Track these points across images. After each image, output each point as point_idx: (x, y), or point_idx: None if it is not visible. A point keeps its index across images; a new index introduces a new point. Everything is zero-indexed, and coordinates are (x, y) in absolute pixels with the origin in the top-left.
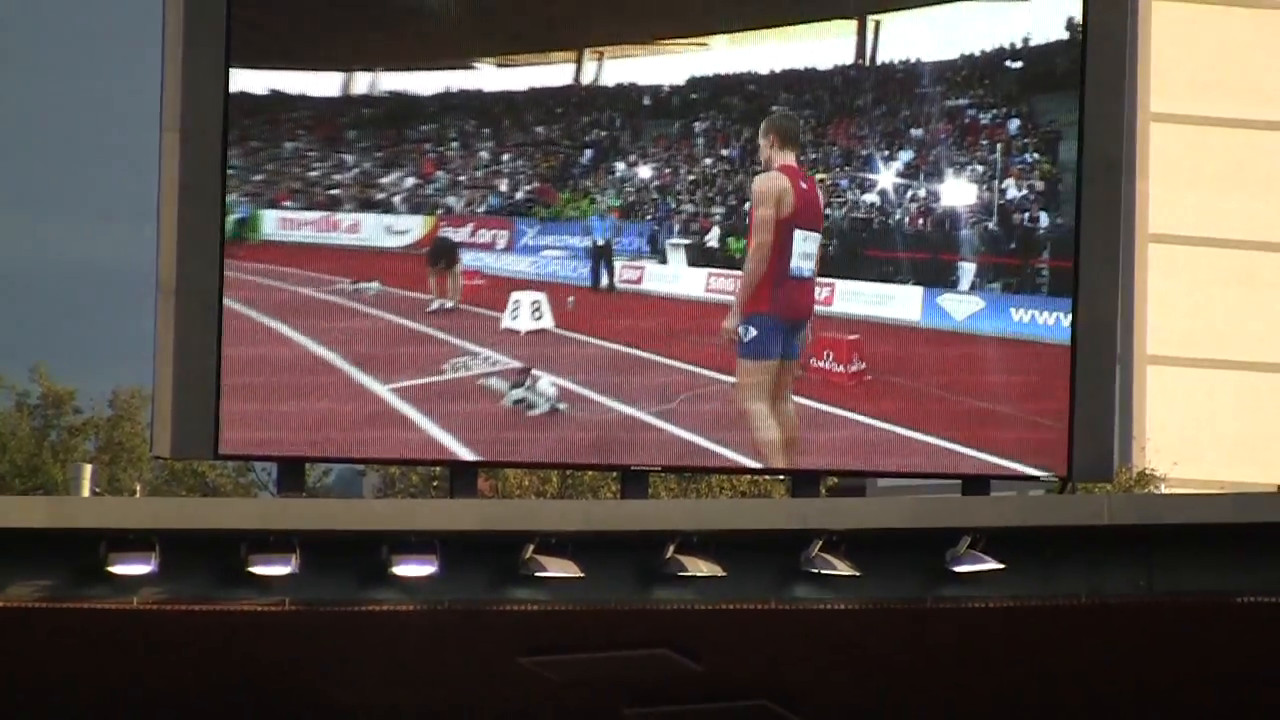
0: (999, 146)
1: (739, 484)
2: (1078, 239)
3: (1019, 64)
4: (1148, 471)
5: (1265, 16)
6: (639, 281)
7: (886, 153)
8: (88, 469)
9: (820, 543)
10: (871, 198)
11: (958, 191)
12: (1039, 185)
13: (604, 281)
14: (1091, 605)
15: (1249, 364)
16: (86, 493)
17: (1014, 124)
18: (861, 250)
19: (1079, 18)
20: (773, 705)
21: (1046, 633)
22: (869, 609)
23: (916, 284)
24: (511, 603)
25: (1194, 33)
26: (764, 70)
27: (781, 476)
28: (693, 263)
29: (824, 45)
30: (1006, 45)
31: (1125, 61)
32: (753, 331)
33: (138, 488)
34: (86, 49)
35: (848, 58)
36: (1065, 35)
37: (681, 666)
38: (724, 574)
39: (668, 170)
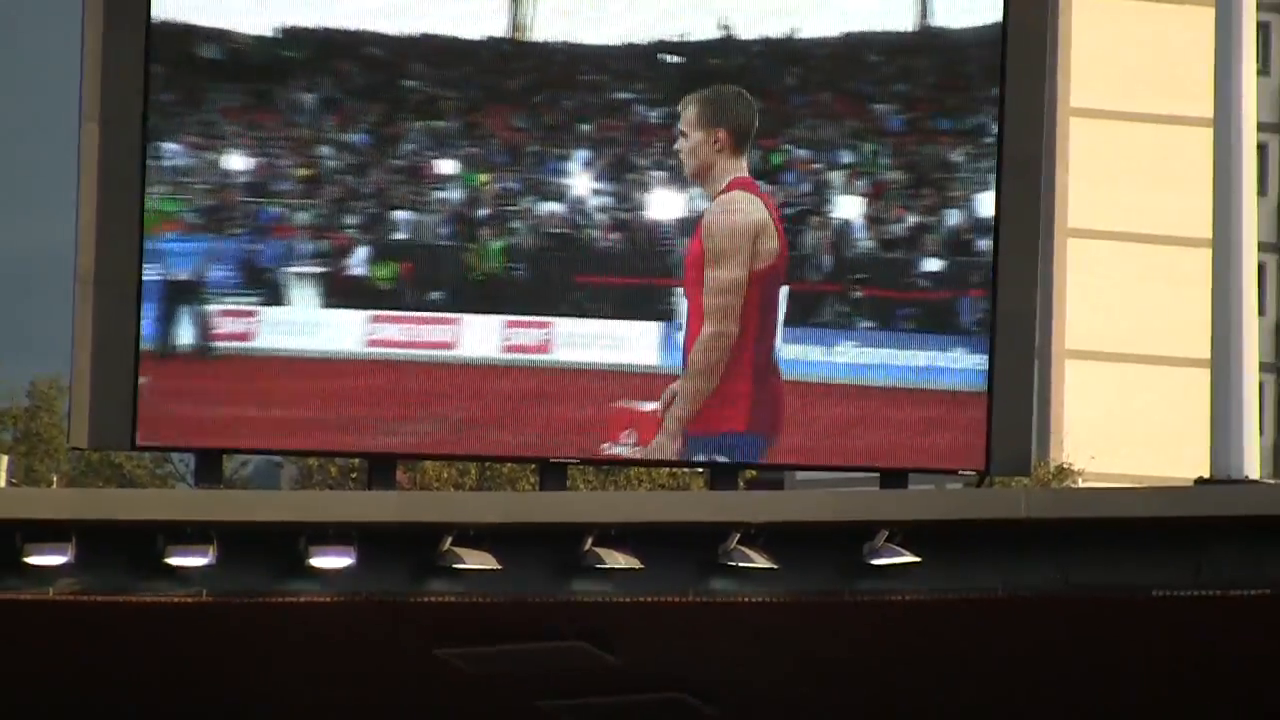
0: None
1: (657, 477)
2: (997, 233)
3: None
4: (1066, 465)
5: (1186, 12)
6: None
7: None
8: (4, 459)
9: (738, 536)
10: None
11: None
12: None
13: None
14: (1008, 599)
15: (1167, 359)
16: (3, 483)
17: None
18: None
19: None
20: (689, 698)
21: (963, 626)
22: (786, 602)
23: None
24: (429, 595)
25: (1114, 28)
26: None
27: (700, 469)
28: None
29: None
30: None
31: (1045, 56)
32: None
33: (55, 478)
34: (2, 36)
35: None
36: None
37: (599, 659)
38: (641, 567)
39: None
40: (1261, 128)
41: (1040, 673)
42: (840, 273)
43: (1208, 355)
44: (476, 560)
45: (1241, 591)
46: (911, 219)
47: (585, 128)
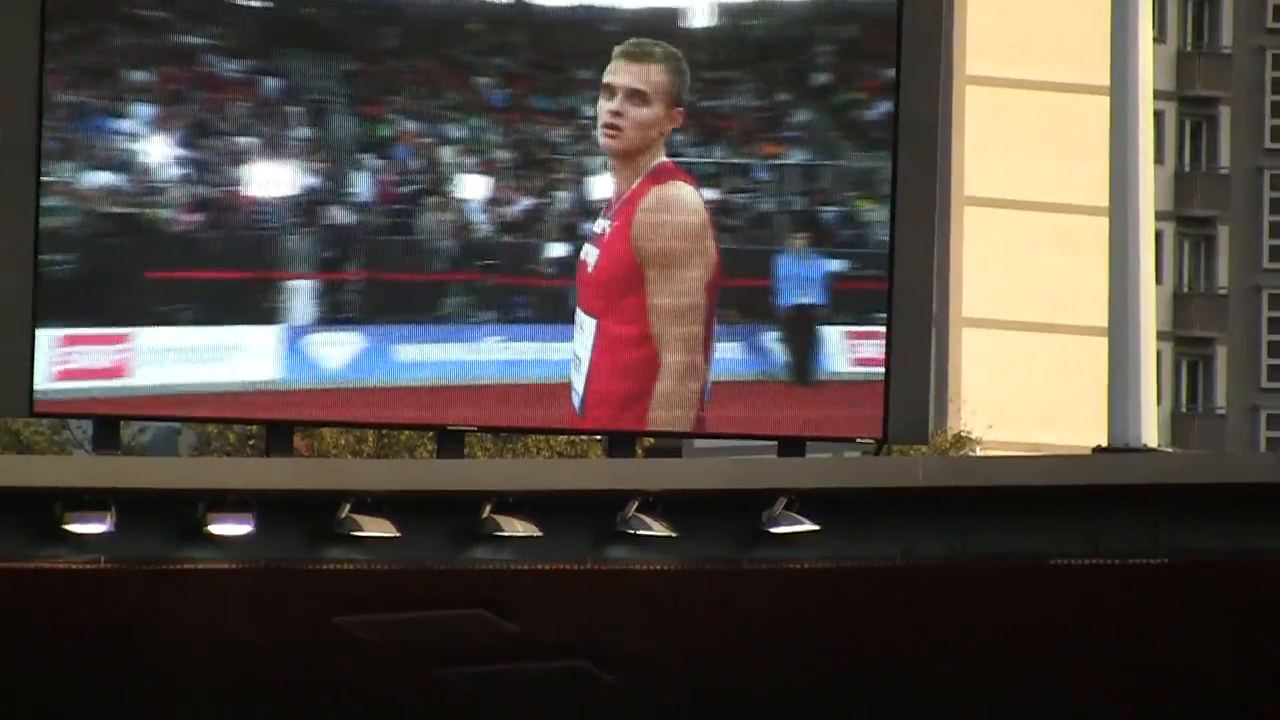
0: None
1: (556, 444)
2: (894, 201)
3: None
4: (963, 434)
5: None
6: None
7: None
8: None
9: (636, 503)
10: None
11: None
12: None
13: None
14: (906, 567)
15: (1065, 327)
16: None
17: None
18: None
19: None
20: (588, 666)
21: (861, 594)
22: (685, 570)
23: None
24: (328, 562)
25: None
26: None
27: (599, 437)
28: None
29: None
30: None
31: (941, 22)
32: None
33: None
34: None
35: None
36: None
37: (498, 627)
38: (540, 534)
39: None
40: (1157, 95)
41: (937, 641)
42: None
43: (1106, 323)
44: (375, 528)
45: (1139, 560)
46: None
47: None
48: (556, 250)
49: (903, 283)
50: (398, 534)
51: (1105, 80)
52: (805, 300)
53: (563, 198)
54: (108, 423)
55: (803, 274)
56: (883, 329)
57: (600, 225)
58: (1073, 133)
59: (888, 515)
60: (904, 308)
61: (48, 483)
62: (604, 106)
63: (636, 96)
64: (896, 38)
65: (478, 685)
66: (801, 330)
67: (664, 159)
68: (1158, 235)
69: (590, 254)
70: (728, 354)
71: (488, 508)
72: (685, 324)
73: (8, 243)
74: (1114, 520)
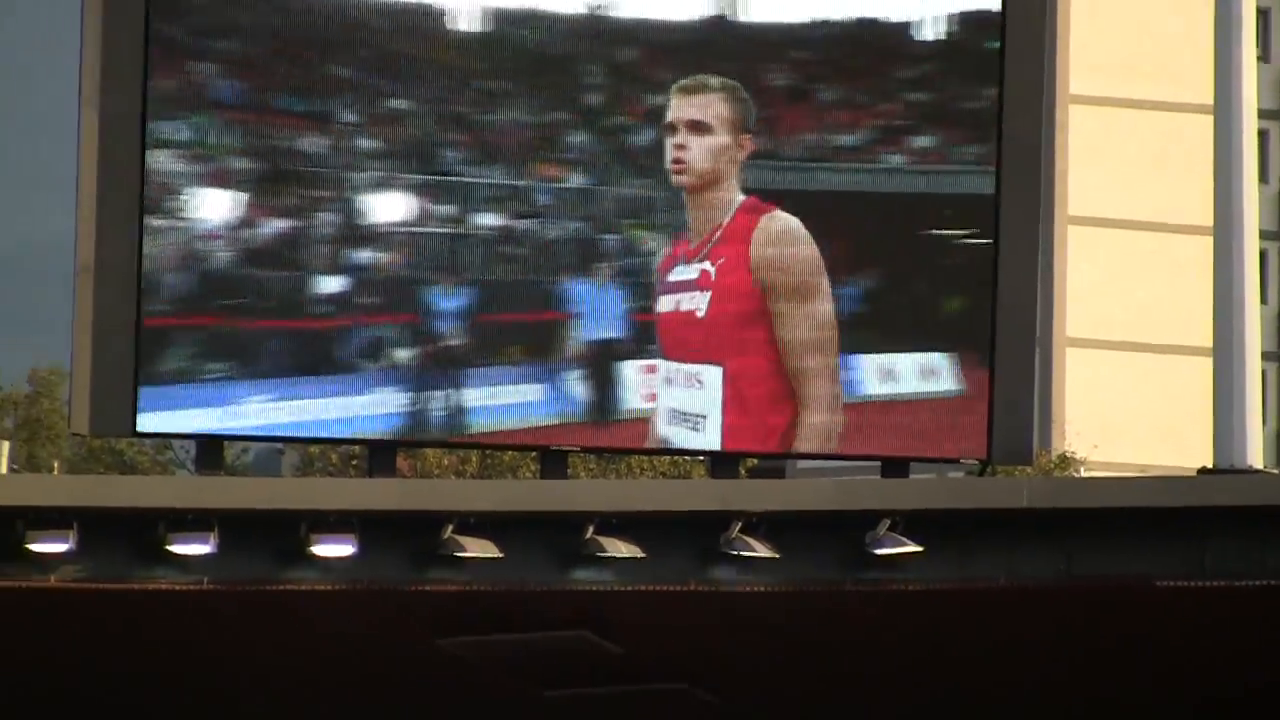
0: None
1: (659, 465)
2: (997, 221)
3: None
4: (1067, 454)
5: None
6: None
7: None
8: (5, 446)
9: (740, 524)
10: None
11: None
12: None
13: None
14: (1010, 588)
15: (1168, 347)
16: (4, 470)
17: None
18: None
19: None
20: (692, 688)
21: (965, 615)
22: (788, 591)
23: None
24: (430, 583)
25: (1112, 15)
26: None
27: (701, 458)
28: None
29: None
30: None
31: (1045, 43)
32: None
33: (56, 465)
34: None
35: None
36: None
37: (601, 648)
38: (643, 555)
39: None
40: (1262, 114)
41: (1042, 662)
42: None
43: (1210, 343)
44: (478, 548)
45: (1245, 582)
46: None
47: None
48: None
49: (1007, 303)
50: (500, 555)
51: (1210, 99)
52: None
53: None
54: (211, 443)
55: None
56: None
57: (693, 269)
58: (1178, 152)
59: (992, 536)
60: (1008, 328)
61: (151, 503)
62: (669, 143)
63: (698, 128)
64: (999, 59)
65: (581, 706)
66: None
67: (744, 194)
68: (1262, 255)
69: (692, 301)
70: (856, 378)
71: (591, 529)
72: (821, 355)
73: (118, 262)
74: (1219, 541)
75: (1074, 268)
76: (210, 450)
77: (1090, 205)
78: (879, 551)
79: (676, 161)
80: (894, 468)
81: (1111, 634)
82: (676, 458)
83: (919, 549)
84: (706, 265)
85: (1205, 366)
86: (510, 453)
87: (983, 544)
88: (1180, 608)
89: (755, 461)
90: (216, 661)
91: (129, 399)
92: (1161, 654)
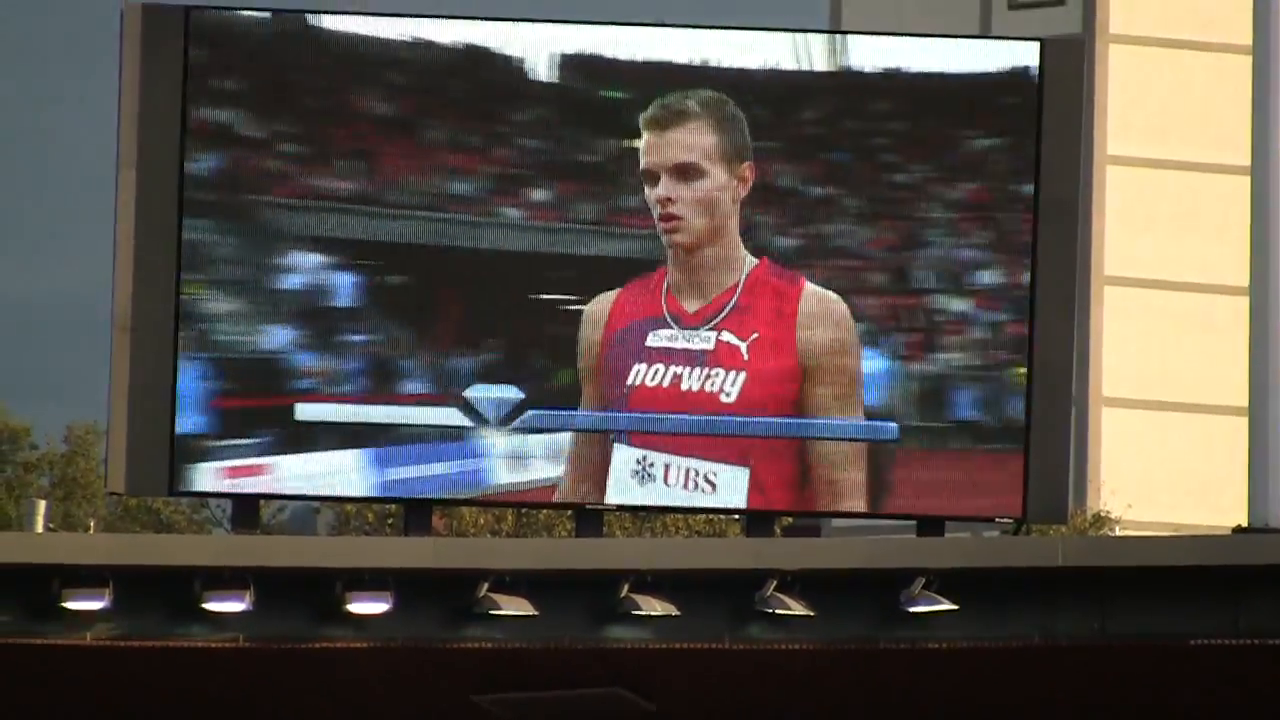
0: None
1: (694, 523)
2: (1033, 281)
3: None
4: (1102, 513)
5: (1220, 60)
6: None
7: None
8: (41, 504)
9: (775, 582)
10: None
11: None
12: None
13: None
14: (1045, 647)
15: (1203, 406)
16: (40, 528)
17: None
18: None
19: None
20: None
21: (1000, 674)
22: (823, 649)
23: None
24: (466, 641)
25: (1149, 75)
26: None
27: (736, 516)
28: None
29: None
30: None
31: (1081, 104)
32: None
33: (92, 524)
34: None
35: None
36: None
37: (635, 706)
38: (678, 613)
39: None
40: None
41: None
42: None
43: (1245, 403)
44: (513, 606)
45: (1279, 640)
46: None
47: None
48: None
49: (1042, 362)
50: (536, 613)
51: (1245, 160)
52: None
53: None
54: (247, 502)
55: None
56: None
57: (701, 339)
58: (1213, 213)
59: (1027, 595)
60: (1044, 387)
61: (187, 561)
62: (651, 196)
63: (686, 173)
64: (1037, 118)
65: None
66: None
67: (754, 254)
68: None
69: (708, 380)
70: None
71: (626, 586)
72: (845, 412)
73: (154, 322)
74: (1255, 600)
75: (1109, 327)
76: (246, 509)
77: (1126, 265)
78: (913, 610)
79: (666, 219)
80: (929, 526)
81: (1146, 693)
82: (712, 516)
83: (954, 607)
84: (731, 339)
85: (1240, 426)
86: (545, 511)
87: (1017, 603)
88: (1215, 666)
89: (790, 520)
90: (252, 719)
91: (165, 458)
92: (1196, 713)
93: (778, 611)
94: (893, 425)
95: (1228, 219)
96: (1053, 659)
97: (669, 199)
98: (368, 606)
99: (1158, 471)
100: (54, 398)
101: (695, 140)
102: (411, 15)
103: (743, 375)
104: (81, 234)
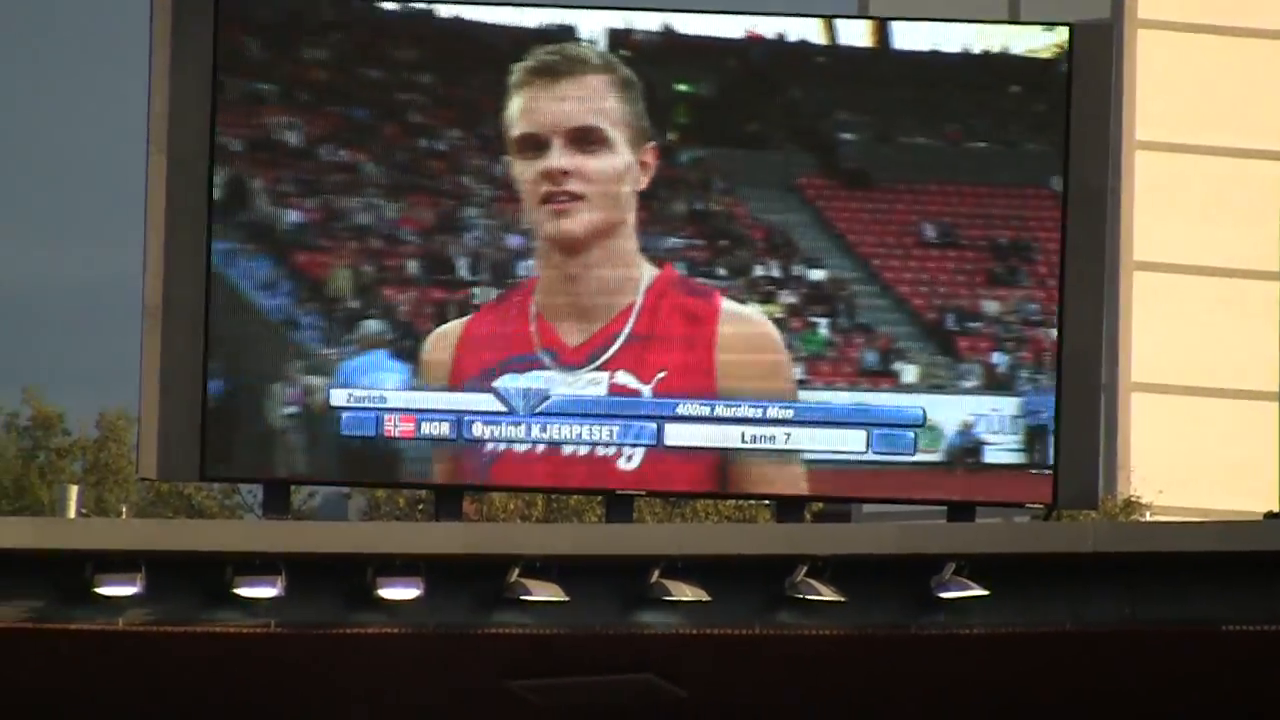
0: None
1: (724, 509)
2: (1062, 266)
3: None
4: (1133, 499)
5: (1249, 45)
6: None
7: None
8: (74, 490)
9: (805, 568)
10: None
11: None
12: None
13: None
14: (1076, 633)
15: (1234, 391)
16: (73, 514)
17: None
18: None
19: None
20: None
21: (1031, 660)
22: (854, 635)
23: None
24: (496, 626)
25: (1178, 61)
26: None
27: (766, 502)
28: None
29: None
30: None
31: (1110, 90)
32: None
33: (124, 509)
34: (75, 70)
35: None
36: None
37: (667, 691)
38: (709, 599)
39: None
40: None
41: (1108, 707)
42: None
43: (1276, 388)
44: (544, 592)
45: None
46: None
47: None
48: None
49: (1071, 348)
50: (566, 598)
51: (1277, 145)
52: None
53: None
54: (278, 487)
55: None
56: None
57: (591, 381)
58: (1242, 197)
59: (1058, 581)
60: (1073, 373)
61: (218, 547)
62: (531, 169)
63: (588, 141)
64: (1065, 104)
65: None
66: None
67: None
68: None
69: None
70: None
71: (656, 572)
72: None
73: (185, 307)
74: None
75: (1139, 313)
76: (277, 494)
77: (1156, 251)
78: (944, 595)
79: (557, 198)
80: (960, 512)
81: (1178, 678)
82: (742, 502)
83: (985, 593)
84: (630, 381)
85: (1271, 411)
86: (576, 497)
87: (1048, 588)
88: (1246, 652)
89: (821, 505)
90: (282, 705)
91: (196, 444)
92: (1227, 698)
93: (808, 597)
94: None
95: (1258, 204)
96: (1084, 644)
97: (564, 171)
98: (399, 592)
99: (1188, 457)
100: (86, 384)
101: (597, 101)
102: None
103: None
104: (115, 220)
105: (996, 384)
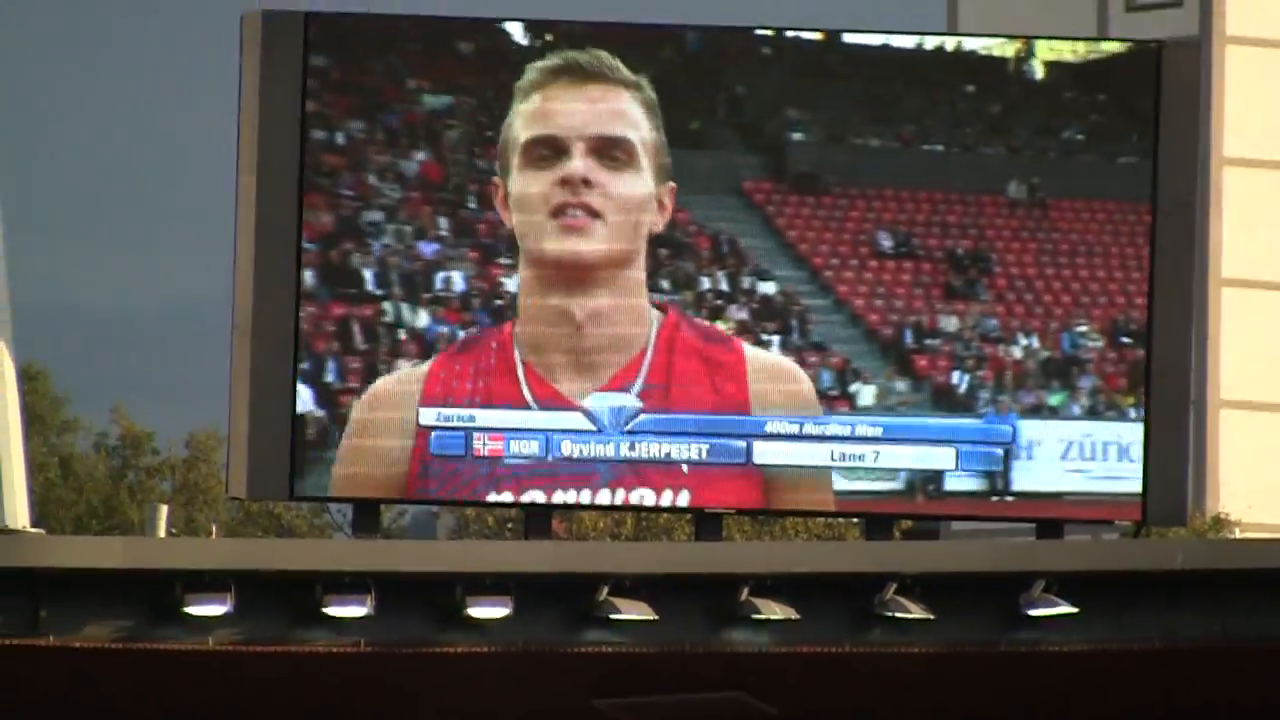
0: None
1: (813, 527)
2: (1151, 281)
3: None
4: (1222, 516)
5: None
6: None
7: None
8: (163, 509)
9: (894, 586)
10: None
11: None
12: None
13: None
14: (1166, 650)
15: None
16: (162, 533)
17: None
18: None
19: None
20: None
21: (1120, 677)
22: (943, 652)
23: None
24: (586, 644)
25: (1267, 76)
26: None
27: (855, 519)
28: None
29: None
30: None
31: (1199, 105)
32: None
33: (213, 528)
34: (168, 90)
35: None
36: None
37: (757, 710)
38: (798, 617)
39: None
40: None
41: None
42: None
43: None
44: (633, 610)
45: None
46: None
47: None
48: None
49: (1160, 364)
50: (655, 617)
51: None
52: None
53: None
54: (367, 506)
55: None
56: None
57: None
58: None
59: (1147, 598)
60: (1162, 389)
61: (308, 566)
62: (544, 178)
63: (613, 152)
64: (1154, 118)
65: None
66: None
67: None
68: None
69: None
70: None
71: (745, 590)
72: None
73: (275, 326)
74: None
75: (1227, 329)
76: (366, 513)
77: (1244, 267)
78: (1033, 613)
79: (573, 210)
80: (1049, 529)
81: (1270, 695)
82: (831, 519)
83: (1074, 610)
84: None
85: None
86: (665, 515)
87: (1137, 605)
88: None
89: (909, 523)
90: None
91: (285, 463)
92: None
93: (897, 615)
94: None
95: None
96: (1174, 662)
97: (588, 181)
98: (488, 610)
99: (1277, 474)
100: (177, 403)
101: (627, 114)
102: (521, 19)
103: (684, 495)
104: (204, 239)
105: (956, 405)
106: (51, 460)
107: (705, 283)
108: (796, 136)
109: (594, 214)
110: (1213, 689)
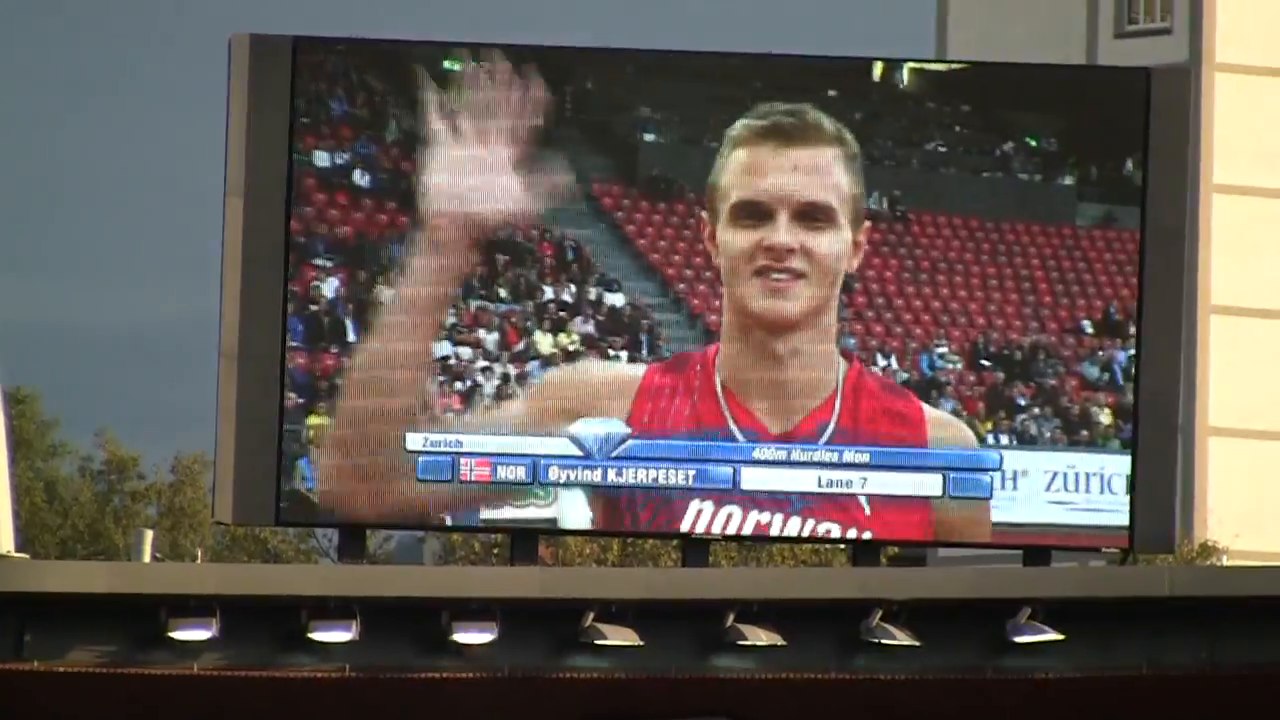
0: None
1: (800, 553)
2: (1140, 309)
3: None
4: (1210, 543)
5: None
6: None
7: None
8: (149, 534)
9: (881, 612)
10: None
11: None
12: None
13: None
14: (1152, 677)
15: None
16: (148, 558)
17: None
18: None
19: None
20: None
21: (1107, 704)
22: (929, 679)
23: None
24: (571, 670)
25: (1256, 103)
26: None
27: (842, 546)
28: None
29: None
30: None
31: (1188, 133)
32: None
33: (199, 553)
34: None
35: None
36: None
37: None
38: (784, 643)
39: None
40: None
41: None
42: None
43: None
44: (619, 636)
45: None
46: None
47: None
48: None
49: (1149, 391)
50: (641, 642)
51: None
52: None
53: None
54: (353, 531)
55: None
56: None
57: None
58: None
59: (1134, 625)
60: (1150, 416)
61: (293, 591)
62: (750, 240)
63: (814, 217)
64: (1143, 146)
65: None
66: None
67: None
68: None
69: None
70: None
71: (731, 616)
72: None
73: (261, 351)
74: None
75: (1216, 356)
76: (352, 538)
77: (1232, 294)
78: (1020, 640)
79: (777, 275)
80: (1035, 556)
81: None
82: (817, 546)
83: (1061, 637)
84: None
85: None
86: (651, 541)
87: (1124, 632)
88: None
89: (896, 550)
90: None
91: (272, 488)
92: None
93: (884, 641)
94: None
95: None
96: (1161, 689)
97: (791, 249)
98: (473, 636)
99: (1265, 501)
100: (162, 428)
101: (828, 175)
102: (508, 45)
103: (866, 536)
104: (190, 263)
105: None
106: (37, 484)
107: (547, 293)
108: (649, 138)
109: (801, 276)
110: (1200, 716)
